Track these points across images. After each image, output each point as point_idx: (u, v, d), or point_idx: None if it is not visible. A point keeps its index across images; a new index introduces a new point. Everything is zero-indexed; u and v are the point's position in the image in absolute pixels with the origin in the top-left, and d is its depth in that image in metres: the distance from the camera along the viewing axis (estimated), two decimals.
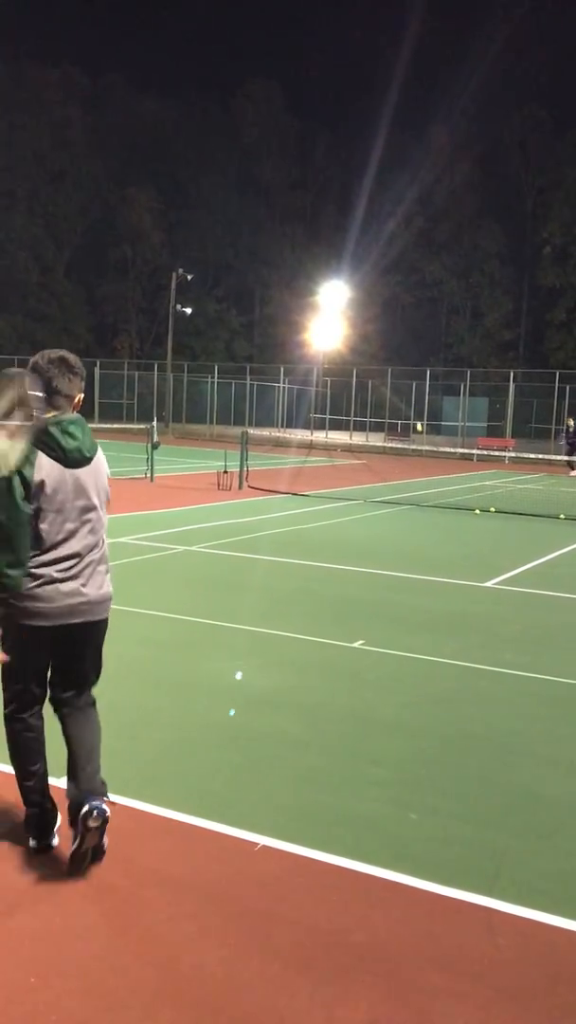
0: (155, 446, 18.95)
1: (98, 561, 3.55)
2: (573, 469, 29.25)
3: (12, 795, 4.04)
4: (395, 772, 4.53)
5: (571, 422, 30.06)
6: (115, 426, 29.29)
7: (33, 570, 3.37)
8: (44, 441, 3.39)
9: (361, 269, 55.73)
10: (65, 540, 3.43)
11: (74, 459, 3.45)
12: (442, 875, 3.54)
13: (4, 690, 3.57)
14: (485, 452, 29.13)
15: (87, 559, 3.49)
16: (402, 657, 6.56)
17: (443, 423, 44.66)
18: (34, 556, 3.37)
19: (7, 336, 56.31)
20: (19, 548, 3.30)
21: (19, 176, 58.78)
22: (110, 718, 5.10)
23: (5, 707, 3.58)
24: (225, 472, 17.78)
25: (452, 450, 30.18)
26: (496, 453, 30.18)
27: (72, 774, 3.51)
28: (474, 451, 29.47)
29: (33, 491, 3.32)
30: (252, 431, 27.93)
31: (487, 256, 58.17)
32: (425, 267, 58.87)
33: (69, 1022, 2.65)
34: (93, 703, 3.73)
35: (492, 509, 16.59)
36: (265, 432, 36.14)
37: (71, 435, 3.46)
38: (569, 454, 29.50)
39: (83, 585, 3.47)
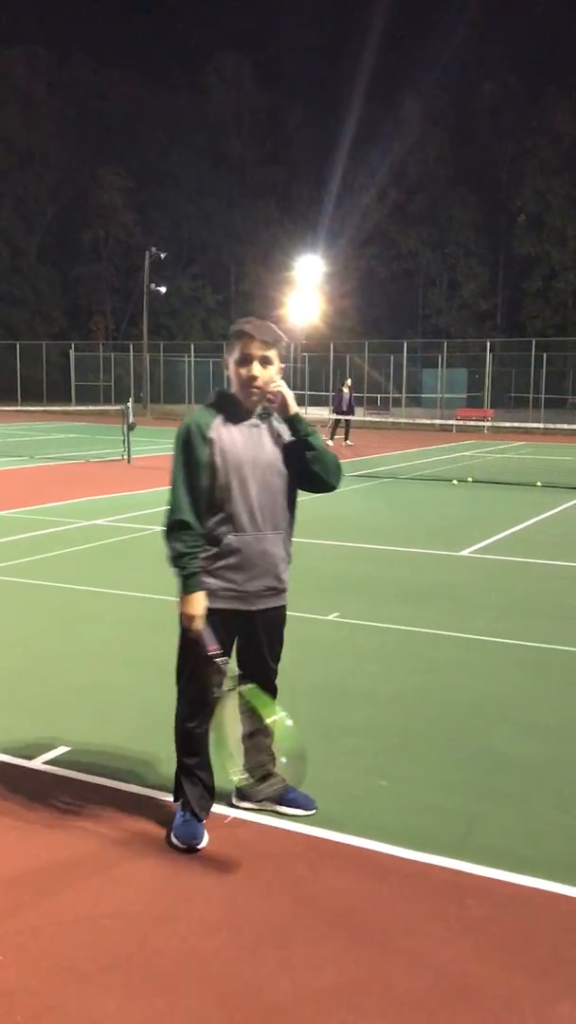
0: (131, 427, 18.84)
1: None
2: None
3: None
4: (367, 741, 4.55)
5: None
6: (92, 408, 29.12)
7: None
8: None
9: (336, 243, 55.48)
10: None
11: None
12: (411, 840, 3.56)
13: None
14: (464, 423, 29.16)
15: None
16: (376, 628, 6.58)
17: (422, 395, 44.66)
18: None
19: None
20: None
21: None
22: (89, 699, 5.10)
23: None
24: None
25: (431, 422, 30.20)
26: (475, 423, 30.23)
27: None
28: (452, 422, 29.49)
29: None
30: None
31: (462, 227, 58.00)
32: (401, 239, 58.64)
33: (34, 998, 2.65)
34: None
35: (470, 479, 16.63)
36: None
37: None
38: None
39: None
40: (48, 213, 60.76)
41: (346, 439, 25.40)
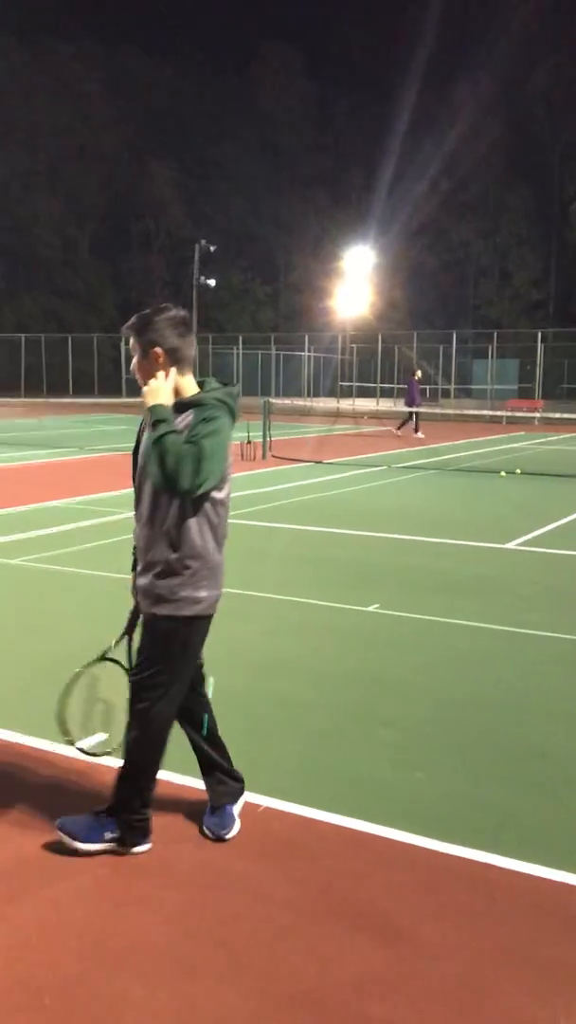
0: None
1: None
2: None
3: (27, 767, 4.10)
4: (404, 733, 4.52)
5: None
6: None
7: None
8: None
9: (387, 234, 55.10)
10: None
11: None
12: (443, 832, 3.54)
13: (185, 684, 3.47)
14: (514, 414, 28.81)
15: None
16: (417, 620, 6.53)
17: (472, 386, 44.20)
18: None
19: (33, 315, 56.56)
20: None
21: (39, 153, 58.76)
22: (121, 687, 5.14)
23: (176, 705, 3.47)
24: (248, 442, 17.76)
25: (481, 413, 29.89)
26: (526, 415, 29.84)
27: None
28: (502, 413, 29.14)
29: None
30: (278, 401, 27.84)
31: (514, 216, 57.28)
32: (452, 229, 58.06)
33: (62, 979, 2.69)
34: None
35: (518, 471, 16.43)
36: (291, 401, 36.00)
37: None
38: None
39: None
40: (99, 206, 61.29)
41: (416, 430, 25.23)
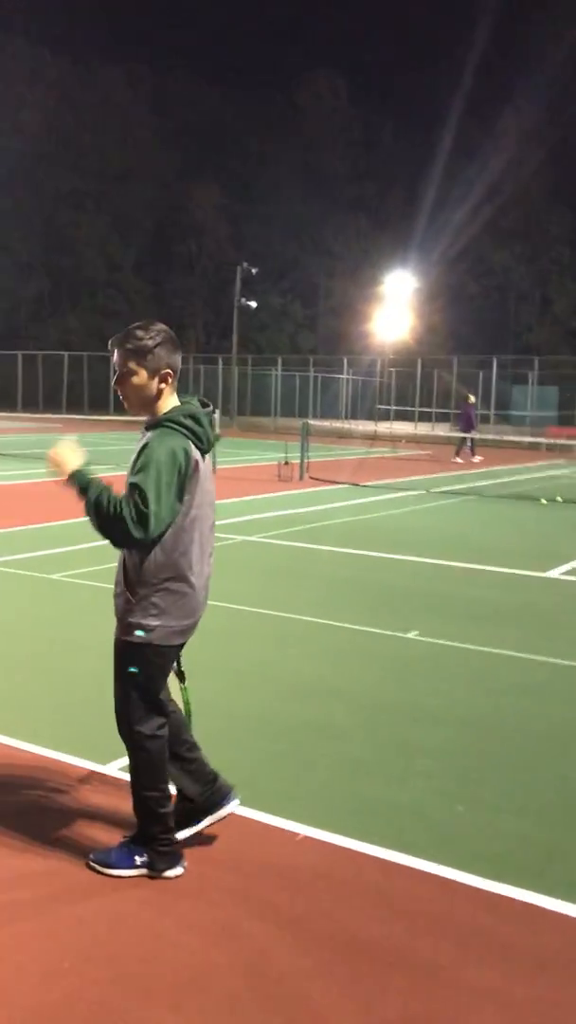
0: (216, 438, 18.94)
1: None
2: None
3: (55, 782, 4.06)
4: (444, 763, 4.42)
5: None
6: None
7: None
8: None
9: (427, 258, 55.18)
10: None
11: (206, 451, 3.29)
12: (488, 869, 3.43)
13: (154, 708, 3.32)
14: (554, 441, 28.54)
15: None
16: (456, 648, 6.43)
17: (511, 412, 43.91)
18: None
19: (77, 333, 57.25)
20: None
21: (87, 175, 59.68)
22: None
23: (157, 727, 3.33)
24: (285, 463, 17.75)
25: (520, 439, 29.66)
26: (566, 442, 29.55)
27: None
28: (542, 440, 28.89)
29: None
30: (316, 423, 27.87)
31: (556, 243, 57.10)
32: (493, 255, 58.00)
33: (95, 1009, 2.62)
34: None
35: (559, 498, 16.23)
36: (329, 423, 36.01)
37: (210, 425, 3.31)
38: None
39: None
40: (144, 228, 62.09)
41: (473, 454, 25.49)
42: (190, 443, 3.18)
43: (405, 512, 13.99)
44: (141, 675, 3.28)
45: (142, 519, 3.02)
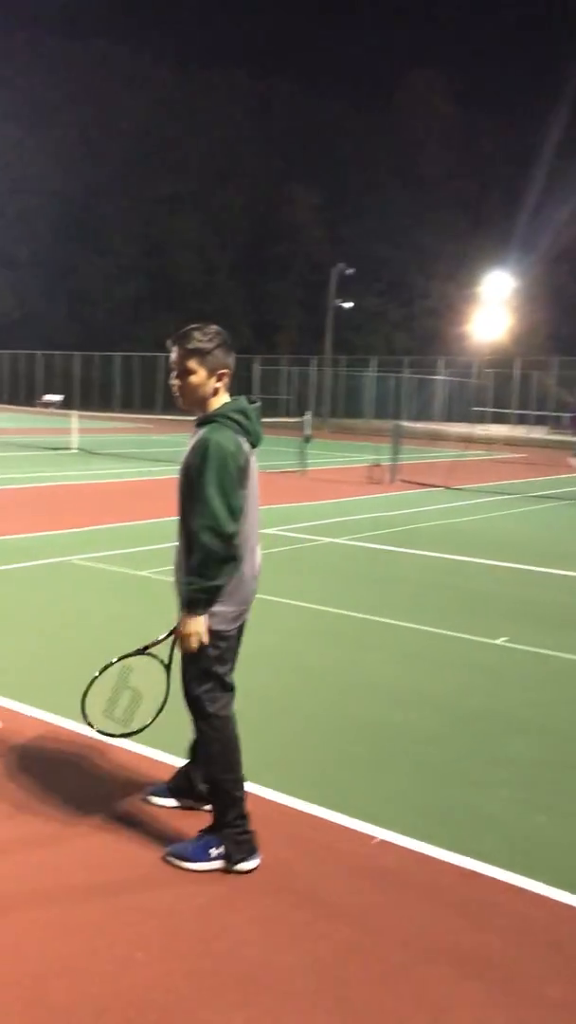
0: (307, 440, 19.04)
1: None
2: None
3: (128, 765, 4.13)
4: (527, 773, 4.33)
5: None
6: (272, 420, 29.66)
7: None
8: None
9: (527, 258, 54.06)
10: None
11: (255, 444, 3.46)
12: (569, 882, 3.35)
13: (221, 688, 3.39)
14: None
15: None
16: (546, 656, 6.28)
17: None
18: None
19: (171, 335, 58.16)
20: None
21: (186, 178, 60.59)
22: (242, 704, 5.13)
23: (222, 707, 3.41)
24: (376, 465, 17.65)
25: None
26: None
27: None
28: None
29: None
30: (409, 425, 27.61)
31: None
32: None
33: (166, 1001, 2.66)
34: None
35: None
36: (422, 425, 35.67)
37: (258, 420, 3.49)
38: None
39: None
40: (241, 230, 62.69)
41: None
42: (241, 437, 3.29)
43: (497, 516, 13.75)
44: (219, 655, 3.35)
45: (220, 532, 3.17)
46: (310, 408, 35.00)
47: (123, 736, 3.68)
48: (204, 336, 3.37)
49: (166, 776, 3.94)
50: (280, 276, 62.73)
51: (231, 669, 3.44)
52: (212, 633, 3.30)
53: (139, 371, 50.53)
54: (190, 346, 3.36)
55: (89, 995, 2.66)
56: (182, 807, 3.76)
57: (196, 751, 3.70)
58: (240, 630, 3.45)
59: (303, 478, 17.97)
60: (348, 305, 47.91)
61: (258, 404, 3.45)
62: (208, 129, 60.52)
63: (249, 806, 3.79)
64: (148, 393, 50.08)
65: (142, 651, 3.61)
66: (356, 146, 62.77)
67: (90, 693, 3.52)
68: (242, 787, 3.42)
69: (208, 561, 3.19)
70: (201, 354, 3.34)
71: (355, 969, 2.83)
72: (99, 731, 3.60)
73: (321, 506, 13.69)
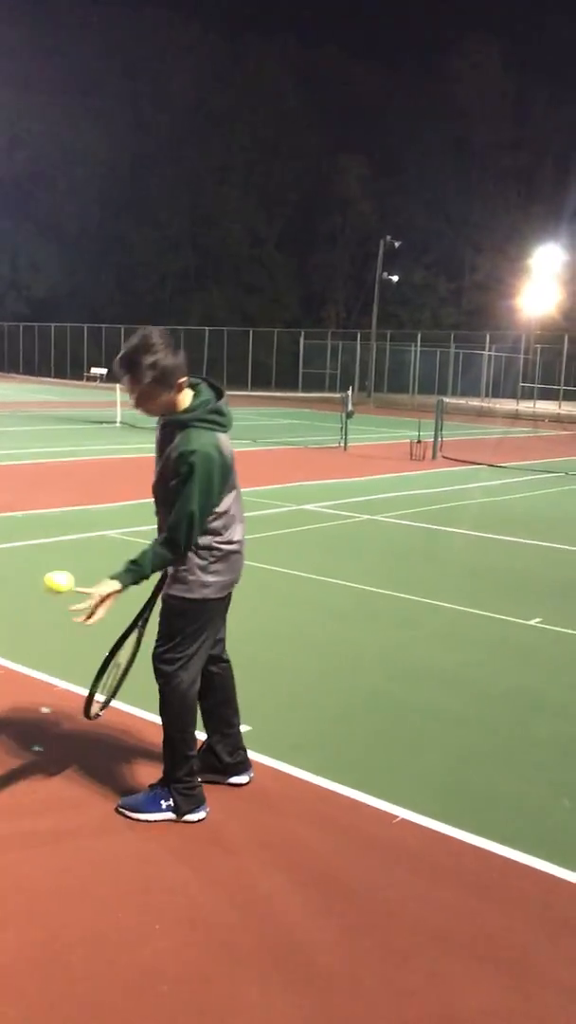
0: (349, 415, 18.95)
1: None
2: None
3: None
4: (558, 755, 4.31)
5: None
6: (316, 395, 29.57)
7: None
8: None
9: None
10: None
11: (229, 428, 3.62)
12: None
13: (189, 663, 3.53)
14: None
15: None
16: None
17: None
18: None
19: (220, 308, 58.14)
20: None
21: (234, 150, 60.26)
22: (274, 681, 5.17)
23: (180, 668, 3.51)
24: (418, 442, 17.53)
25: None
26: None
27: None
28: None
29: None
30: (455, 401, 27.35)
31: None
32: None
33: (184, 971, 2.71)
34: (227, 663, 3.89)
35: None
36: (468, 401, 35.32)
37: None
38: None
39: None
40: (289, 202, 62.23)
41: None
42: (218, 435, 3.42)
43: (541, 495, 13.60)
44: (201, 626, 3.57)
45: (183, 546, 3.40)
46: (354, 383, 34.79)
47: (102, 708, 3.76)
48: (153, 355, 3.29)
49: None
50: (327, 249, 62.26)
51: (212, 636, 3.60)
52: (196, 601, 3.47)
53: (185, 344, 50.55)
54: (147, 380, 3.31)
55: (119, 963, 2.72)
56: (205, 782, 3.78)
57: (213, 725, 3.80)
58: (228, 599, 3.63)
59: (345, 454, 17.91)
60: (395, 279, 47.41)
61: (224, 394, 3.54)
62: (257, 100, 60.01)
63: (275, 784, 3.84)
64: (194, 367, 50.02)
65: (140, 627, 3.71)
66: (406, 117, 61.81)
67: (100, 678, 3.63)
68: (193, 747, 3.58)
69: (158, 561, 3.40)
70: (161, 378, 3.33)
71: (370, 948, 2.86)
72: (94, 715, 3.68)
73: (362, 482, 13.64)
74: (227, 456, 3.44)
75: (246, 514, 3.72)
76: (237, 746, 3.85)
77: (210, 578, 3.48)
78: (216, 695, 3.77)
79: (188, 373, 3.43)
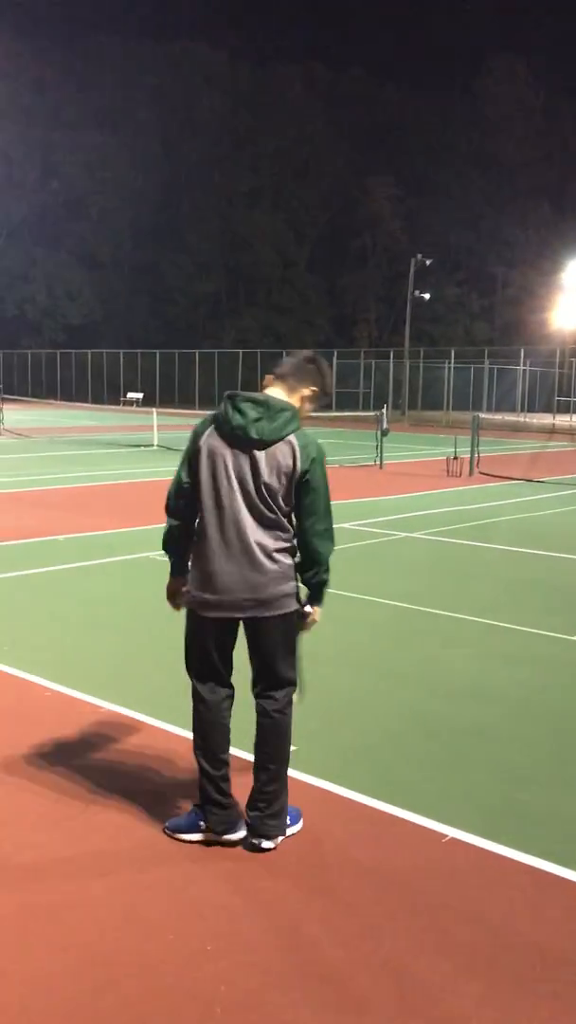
0: (384, 433, 18.94)
1: (257, 552, 3.49)
2: None
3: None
4: None
5: None
6: (350, 414, 29.60)
7: None
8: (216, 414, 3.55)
9: None
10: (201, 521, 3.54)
11: (235, 436, 3.43)
12: None
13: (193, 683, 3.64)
14: None
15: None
16: None
17: None
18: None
19: (252, 330, 58.56)
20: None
21: (263, 174, 60.86)
22: (318, 701, 5.16)
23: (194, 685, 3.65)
24: (455, 458, 17.47)
25: None
26: None
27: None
28: None
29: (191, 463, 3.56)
30: (490, 416, 27.23)
31: None
32: None
33: (237, 994, 2.70)
34: (266, 712, 3.59)
35: None
36: (502, 417, 35.13)
37: (239, 411, 3.44)
38: None
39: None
40: (319, 224, 62.66)
41: None
42: (211, 425, 3.52)
43: (570, 510, 13.46)
44: (190, 640, 3.62)
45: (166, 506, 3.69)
46: (388, 401, 34.78)
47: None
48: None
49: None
50: (358, 268, 62.51)
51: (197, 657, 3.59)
52: (191, 611, 3.59)
53: (219, 367, 50.95)
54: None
55: (167, 986, 2.72)
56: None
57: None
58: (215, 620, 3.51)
59: (381, 472, 17.89)
60: (426, 296, 47.43)
61: (239, 396, 3.50)
62: (284, 123, 60.63)
63: (323, 805, 3.83)
64: (229, 389, 50.38)
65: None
66: (434, 135, 62.12)
67: None
68: (205, 770, 3.54)
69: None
70: None
71: (421, 970, 2.83)
72: None
73: (399, 500, 13.61)
74: (197, 441, 3.52)
75: None
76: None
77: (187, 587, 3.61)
78: None
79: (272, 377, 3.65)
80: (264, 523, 3.42)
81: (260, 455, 3.38)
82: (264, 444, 3.38)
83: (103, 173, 58.96)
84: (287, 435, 3.40)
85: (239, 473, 3.40)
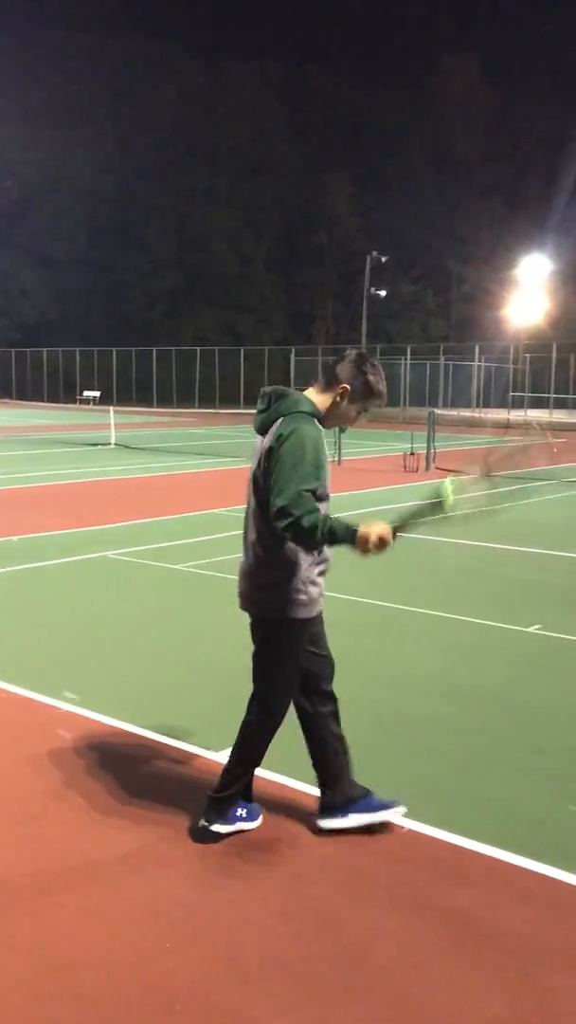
0: (342, 429, 18.93)
1: (249, 545, 3.52)
2: None
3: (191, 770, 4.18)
4: (561, 762, 4.32)
5: None
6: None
7: None
8: None
9: (566, 241, 53.35)
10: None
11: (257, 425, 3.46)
12: None
13: None
14: None
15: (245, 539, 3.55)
16: None
17: None
18: None
19: (210, 328, 58.41)
20: None
21: (219, 171, 60.72)
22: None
23: None
24: (411, 454, 17.59)
25: None
26: None
27: None
28: None
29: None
30: (446, 412, 27.43)
31: None
32: None
33: (196, 989, 2.71)
34: (250, 714, 3.69)
35: None
36: (458, 412, 35.42)
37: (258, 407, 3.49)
38: None
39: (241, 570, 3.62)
40: (275, 221, 62.68)
41: None
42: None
43: (535, 503, 13.64)
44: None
45: None
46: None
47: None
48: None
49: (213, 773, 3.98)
50: (315, 266, 62.64)
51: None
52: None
53: (176, 365, 50.75)
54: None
55: (129, 981, 2.72)
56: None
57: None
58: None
59: (339, 468, 17.95)
60: (382, 293, 47.68)
61: (259, 393, 3.51)
62: (239, 121, 60.56)
63: (276, 792, 3.85)
64: (186, 387, 50.29)
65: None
66: (389, 133, 62.42)
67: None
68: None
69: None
70: None
71: (382, 958, 2.86)
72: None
73: (357, 496, 13.68)
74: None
75: (238, 531, 3.72)
76: None
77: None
78: None
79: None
80: (252, 512, 3.47)
81: (257, 445, 3.45)
82: (262, 434, 3.41)
83: (57, 170, 58.39)
84: (274, 420, 3.36)
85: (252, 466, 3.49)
